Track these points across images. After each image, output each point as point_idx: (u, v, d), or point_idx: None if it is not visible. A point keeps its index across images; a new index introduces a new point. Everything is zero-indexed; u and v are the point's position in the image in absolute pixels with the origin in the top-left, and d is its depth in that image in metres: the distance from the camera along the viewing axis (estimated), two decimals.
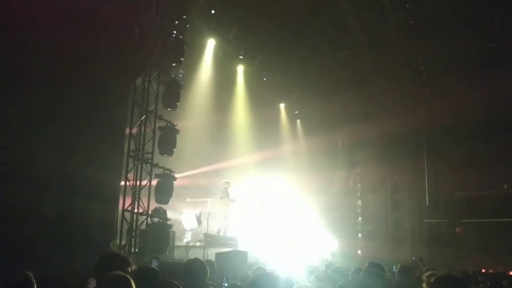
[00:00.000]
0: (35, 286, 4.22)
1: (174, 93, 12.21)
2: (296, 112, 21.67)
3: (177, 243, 12.66)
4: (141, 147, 11.29)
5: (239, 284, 5.24)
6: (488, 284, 6.56)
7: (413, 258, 16.87)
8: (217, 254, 11.22)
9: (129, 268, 3.70)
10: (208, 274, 4.43)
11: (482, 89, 17.69)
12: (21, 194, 8.16)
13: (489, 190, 19.72)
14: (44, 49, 8.61)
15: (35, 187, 8.44)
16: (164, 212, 11.34)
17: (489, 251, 17.45)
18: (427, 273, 3.38)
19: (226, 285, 5.61)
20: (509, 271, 13.16)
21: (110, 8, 9.84)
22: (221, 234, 14.12)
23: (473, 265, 16.12)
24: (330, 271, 6.14)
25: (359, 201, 23.42)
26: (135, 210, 10.89)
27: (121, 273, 3.30)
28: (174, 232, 11.99)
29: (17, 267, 4.55)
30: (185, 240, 13.22)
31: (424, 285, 3.17)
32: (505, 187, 19.47)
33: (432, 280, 3.17)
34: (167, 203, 11.47)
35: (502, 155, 18.87)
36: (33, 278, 4.23)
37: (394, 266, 9.15)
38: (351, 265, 11.21)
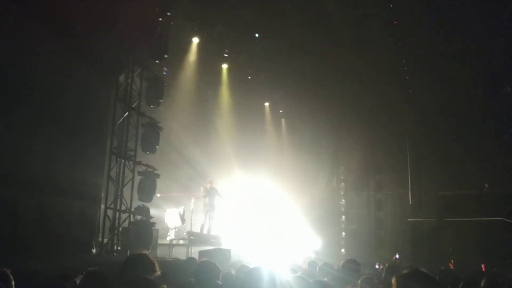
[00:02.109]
0: (13, 282, 4.14)
1: (158, 89, 12.09)
2: (280, 111, 21.66)
3: (160, 241, 12.57)
4: (123, 144, 11.17)
5: (220, 283, 5.17)
6: (466, 282, 6.62)
7: (397, 256, 17.02)
8: (200, 252, 11.18)
9: (154, 274, 3.58)
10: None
11: (464, 89, 17.87)
12: (0, 191, 8.01)
13: (471, 190, 19.95)
14: (24, 44, 8.47)
15: (15, 184, 8.29)
16: (147, 210, 11.23)
17: (470, 250, 17.65)
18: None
19: None
20: (488, 270, 13.34)
21: (92, 4, 9.72)
22: (205, 232, 14.06)
23: (455, 264, 16.32)
24: (317, 268, 6.18)
25: (343, 200, 23.53)
26: (118, 208, 10.77)
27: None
28: (157, 230, 11.90)
29: None
30: (168, 238, 13.13)
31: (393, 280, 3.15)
32: (486, 186, 19.72)
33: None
34: (150, 201, 11.36)
35: (484, 155, 19.09)
36: (10, 274, 4.16)
37: (377, 263, 9.27)
38: (335, 263, 11.25)
